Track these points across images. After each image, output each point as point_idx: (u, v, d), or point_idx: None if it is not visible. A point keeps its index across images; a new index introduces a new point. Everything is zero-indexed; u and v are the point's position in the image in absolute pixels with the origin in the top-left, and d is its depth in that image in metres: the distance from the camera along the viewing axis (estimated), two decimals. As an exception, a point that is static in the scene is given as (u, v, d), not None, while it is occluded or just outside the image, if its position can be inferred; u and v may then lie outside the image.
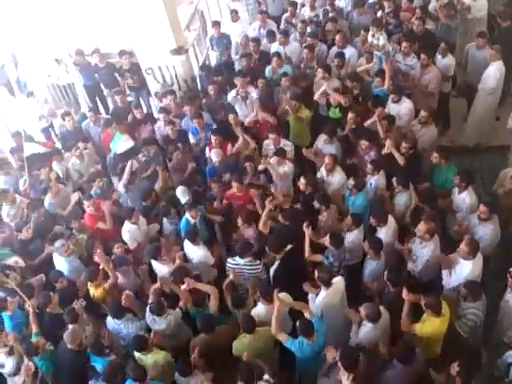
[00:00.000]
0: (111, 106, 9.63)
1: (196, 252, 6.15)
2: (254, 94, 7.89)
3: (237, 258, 5.81)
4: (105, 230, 6.84)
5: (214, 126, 7.81)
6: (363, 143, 6.78)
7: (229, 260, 5.89)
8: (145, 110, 8.95)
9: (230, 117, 7.56)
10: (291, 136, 7.75)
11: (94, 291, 5.95)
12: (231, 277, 5.63)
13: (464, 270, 5.25)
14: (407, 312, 4.95)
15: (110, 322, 5.55)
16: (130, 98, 9.22)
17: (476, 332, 5.06)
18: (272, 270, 5.81)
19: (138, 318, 5.57)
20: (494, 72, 7.48)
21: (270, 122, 7.57)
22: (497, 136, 8.11)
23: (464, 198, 6.01)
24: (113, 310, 5.51)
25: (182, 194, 6.74)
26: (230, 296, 5.56)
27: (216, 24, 9.49)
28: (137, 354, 5.14)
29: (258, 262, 5.86)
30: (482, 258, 5.34)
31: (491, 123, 8.19)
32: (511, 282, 5.01)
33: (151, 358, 5.06)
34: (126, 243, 6.48)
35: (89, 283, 5.98)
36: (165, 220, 6.69)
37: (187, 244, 6.22)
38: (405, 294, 4.99)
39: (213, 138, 7.26)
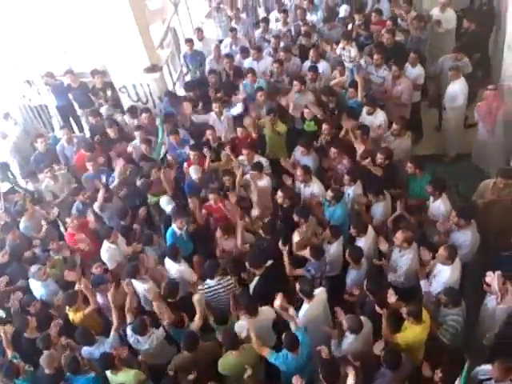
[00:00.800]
0: (86, 126, 9.53)
1: (177, 269, 6.08)
2: (235, 109, 7.88)
3: (208, 281, 5.78)
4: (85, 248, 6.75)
5: (192, 142, 7.79)
6: (333, 152, 6.86)
7: (200, 287, 5.82)
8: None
9: (208, 132, 7.57)
10: (268, 150, 7.80)
11: (73, 316, 5.81)
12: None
13: (443, 275, 5.31)
14: (388, 322, 4.97)
15: (84, 349, 5.42)
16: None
17: (457, 338, 5.11)
18: (252, 286, 5.77)
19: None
20: (460, 90, 7.67)
21: (249, 137, 7.59)
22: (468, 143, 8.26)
23: (439, 206, 6.10)
24: (82, 338, 5.38)
25: (166, 203, 6.70)
26: (212, 313, 5.51)
27: (189, 41, 9.53)
28: (108, 373, 5.03)
29: (227, 277, 5.83)
30: (462, 265, 5.41)
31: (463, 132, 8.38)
32: (487, 288, 5.09)
33: (122, 377, 4.96)
34: (105, 263, 6.38)
35: (67, 307, 5.86)
36: (147, 249, 6.59)
37: (168, 261, 6.15)
38: (390, 297, 5.02)
39: (191, 154, 7.23)
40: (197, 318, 5.35)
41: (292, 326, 5.00)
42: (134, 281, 5.96)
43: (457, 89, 7.72)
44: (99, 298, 5.96)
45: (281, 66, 8.40)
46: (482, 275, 5.12)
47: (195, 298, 5.46)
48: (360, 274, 5.67)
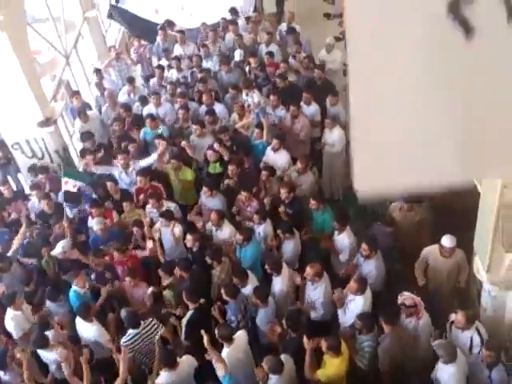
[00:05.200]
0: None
1: (88, 330, 5.77)
2: (146, 160, 7.77)
3: (129, 331, 5.59)
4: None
5: (95, 196, 7.54)
6: (243, 195, 6.96)
7: (123, 340, 5.59)
8: (14, 187, 8.43)
9: (109, 185, 7.38)
10: (176, 196, 7.74)
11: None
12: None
13: (356, 305, 5.48)
14: (310, 360, 5.01)
15: None
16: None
17: (373, 362, 5.26)
18: (185, 320, 5.67)
19: None
20: (339, 137, 7.98)
21: (151, 186, 7.47)
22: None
23: (343, 239, 6.35)
24: None
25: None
26: (130, 374, 5.25)
27: (76, 93, 9.33)
28: None
29: (149, 319, 5.70)
30: (372, 293, 5.63)
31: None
32: (404, 310, 5.31)
33: None
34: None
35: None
36: (50, 304, 6.21)
37: (79, 321, 5.84)
38: (306, 342, 5.06)
39: (92, 210, 7.02)
40: (119, 379, 5.08)
41: (219, 373, 4.88)
42: (41, 351, 5.57)
43: (335, 137, 8.00)
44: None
45: (186, 111, 8.47)
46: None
47: (118, 357, 5.22)
48: (267, 312, 5.71)
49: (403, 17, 0.86)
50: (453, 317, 5.31)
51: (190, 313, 5.69)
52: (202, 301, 5.72)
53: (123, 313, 5.72)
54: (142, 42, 10.91)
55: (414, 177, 1.09)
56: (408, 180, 1.11)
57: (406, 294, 5.37)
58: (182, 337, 5.70)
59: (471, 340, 5.16)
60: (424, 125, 0.95)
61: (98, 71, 9.92)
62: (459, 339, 5.23)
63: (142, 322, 5.62)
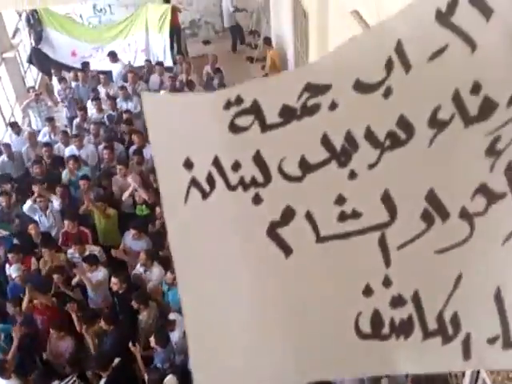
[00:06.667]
0: None
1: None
2: (55, 202, 7.51)
3: None
4: None
5: (15, 241, 7.14)
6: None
7: None
8: None
9: (30, 227, 7.06)
10: (100, 238, 7.49)
11: None
12: None
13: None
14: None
15: None
16: None
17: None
18: None
19: None
20: None
21: (81, 233, 7.19)
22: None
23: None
24: None
25: None
26: None
27: None
28: None
29: (68, 377, 5.41)
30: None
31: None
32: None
33: None
34: None
35: None
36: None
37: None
38: None
39: (10, 256, 6.65)
40: None
41: None
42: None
43: None
44: None
45: (111, 152, 8.32)
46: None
47: None
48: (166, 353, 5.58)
49: (225, 249, 0.89)
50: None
51: (103, 381, 5.31)
52: (116, 362, 5.33)
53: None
54: (70, 84, 10.73)
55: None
56: None
57: None
58: None
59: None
60: (263, 342, 0.95)
61: (13, 125, 9.55)
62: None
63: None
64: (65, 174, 8.13)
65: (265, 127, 0.85)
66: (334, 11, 7.74)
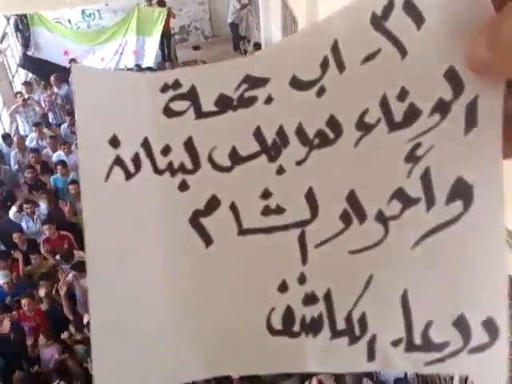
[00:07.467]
0: None
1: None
2: (43, 206, 7.43)
3: None
4: None
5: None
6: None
7: None
8: None
9: (15, 235, 6.95)
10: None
11: None
12: None
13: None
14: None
15: None
16: None
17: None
18: None
19: None
20: None
21: (63, 237, 7.10)
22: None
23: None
24: None
25: None
26: None
27: None
28: None
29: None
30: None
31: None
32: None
33: None
34: None
35: None
36: None
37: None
38: None
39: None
40: None
41: None
42: None
43: None
44: None
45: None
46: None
47: None
48: None
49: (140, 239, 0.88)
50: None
51: None
52: None
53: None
54: (55, 89, 10.65)
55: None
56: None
57: None
58: None
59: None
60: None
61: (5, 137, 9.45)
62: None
63: None
64: (52, 180, 8.09)
65: (200, 114, 0.84)
66: (323, 16, 7.78)
